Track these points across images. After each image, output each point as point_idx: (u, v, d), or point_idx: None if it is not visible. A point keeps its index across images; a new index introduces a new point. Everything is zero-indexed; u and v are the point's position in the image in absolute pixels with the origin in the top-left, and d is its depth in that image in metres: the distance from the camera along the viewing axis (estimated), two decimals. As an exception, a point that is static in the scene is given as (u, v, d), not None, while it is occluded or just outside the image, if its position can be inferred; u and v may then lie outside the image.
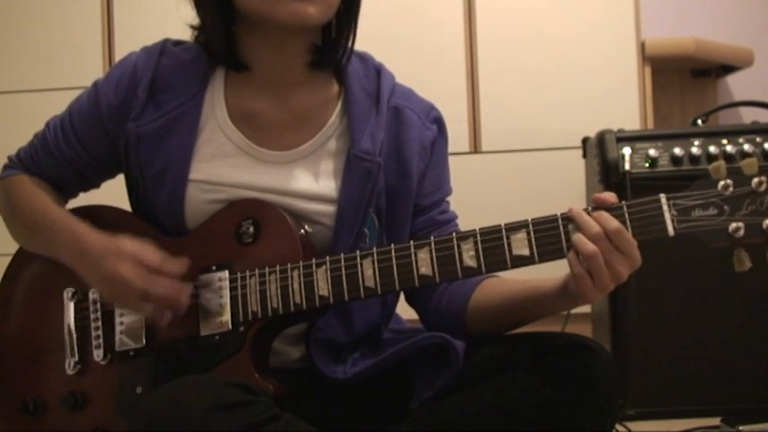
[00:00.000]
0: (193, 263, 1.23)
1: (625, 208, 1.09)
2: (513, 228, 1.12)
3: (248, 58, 1.28)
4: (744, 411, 1.94)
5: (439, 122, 1.36)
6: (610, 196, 1.10)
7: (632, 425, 1.93)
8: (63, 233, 1.26)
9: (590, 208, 1.10)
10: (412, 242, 1.16)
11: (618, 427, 1.88)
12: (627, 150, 2.00)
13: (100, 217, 1.33)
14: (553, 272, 1.17)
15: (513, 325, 1.26)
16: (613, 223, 1.07)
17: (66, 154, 1.33)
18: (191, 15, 1.31)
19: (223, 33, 1.26)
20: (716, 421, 1.89)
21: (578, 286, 1.09)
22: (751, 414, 1.92)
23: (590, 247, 1.07)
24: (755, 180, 1.07)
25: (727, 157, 1.96)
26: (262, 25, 1.24)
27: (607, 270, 1.07)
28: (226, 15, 1.25)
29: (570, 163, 2.40)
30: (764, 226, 1.06)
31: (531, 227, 1.11)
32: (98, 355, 1.26)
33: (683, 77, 2.85)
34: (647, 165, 2.01)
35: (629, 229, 1.08)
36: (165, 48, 1.31)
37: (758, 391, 1.99)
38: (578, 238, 1.08)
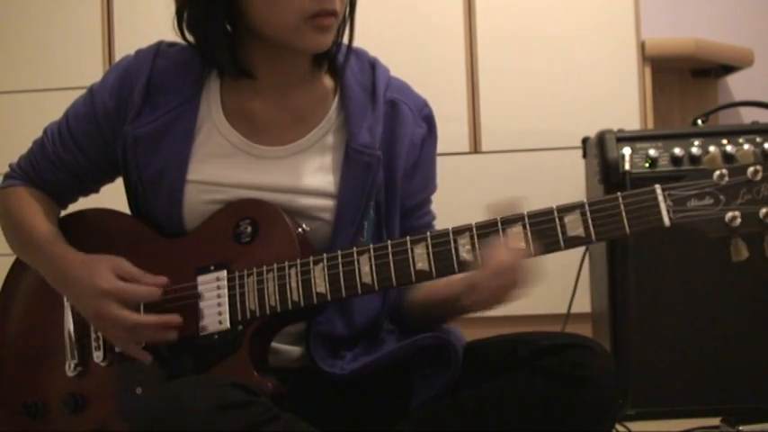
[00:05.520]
0: (192, 263, 1.24)
1: (620, 199, 1.08)
2: (509, 221, 1.12)
3: (250, 68, 1.28)
4: (744, 411, 1.94)
5: (429, 121, 1.36)
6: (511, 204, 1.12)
7: (632, 425, 1.92)
8: (45, 257, 1.28)
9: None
10: (408, 238, 1.16)
11: (618, 427, 1.88)
12: (627, 150, 1.99)
13: (98, 220, 1.34)
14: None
15: (432, 322, 1.28)
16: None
17: (65, 159, 1.33)
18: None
19: (227, 48, 1.26)
20: (716, 421, 1.89)
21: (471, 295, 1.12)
22: (751, 414, 1.92)
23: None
24: (751, 169, 1.06)
25: (728, 158, 1.96)
26: (270, 44, 1.24)
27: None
28: (227, 33, 1.26)
29: (570, 163, 2.39)
30: (761, 215, 1.05)
31: (527, 220, 1.11)
32: (98, 356, 1.27)
33: (683, 77, 2.84)
34: (647, 165, 2.00)
35: (625, 219, 1.08)
36: (160, 49, 1.31)
37: (758, 391, 1.99)
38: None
